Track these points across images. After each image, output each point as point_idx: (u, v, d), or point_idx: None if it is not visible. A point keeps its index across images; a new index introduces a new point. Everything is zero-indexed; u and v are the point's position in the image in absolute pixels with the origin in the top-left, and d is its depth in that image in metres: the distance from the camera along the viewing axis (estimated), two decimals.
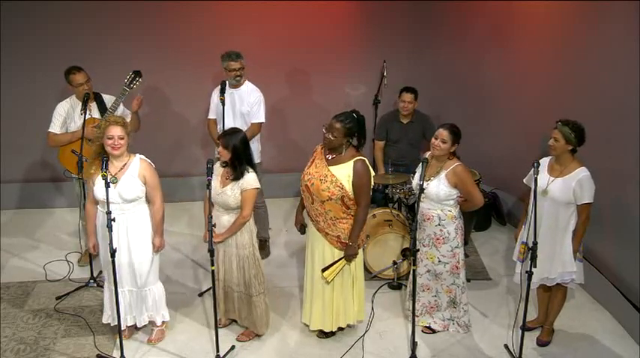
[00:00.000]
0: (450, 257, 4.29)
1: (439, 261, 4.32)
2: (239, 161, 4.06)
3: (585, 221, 4.02)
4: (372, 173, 4.06)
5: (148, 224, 4.16)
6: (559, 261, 4.10)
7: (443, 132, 4.13)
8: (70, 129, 5.05)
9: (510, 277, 4.87)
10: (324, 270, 4.14)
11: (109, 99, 5.07)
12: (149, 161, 4.14)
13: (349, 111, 4.05)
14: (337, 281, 4.22)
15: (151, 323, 4.39)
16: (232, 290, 4.32)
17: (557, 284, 4.21)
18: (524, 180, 4.33)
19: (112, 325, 4.35)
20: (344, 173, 3.99)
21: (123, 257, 4.09)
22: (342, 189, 3.97)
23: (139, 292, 4.24)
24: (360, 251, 4.23)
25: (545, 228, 3.94)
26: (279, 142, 6.69)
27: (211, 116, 5.31)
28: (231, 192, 4.07)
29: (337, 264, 4.13)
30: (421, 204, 4.19)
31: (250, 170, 4.12)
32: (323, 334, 4.45)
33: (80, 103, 4.98)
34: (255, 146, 5.27)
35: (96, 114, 4.98)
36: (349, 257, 4.12)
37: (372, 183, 4.06)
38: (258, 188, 4.13)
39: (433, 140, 4.17)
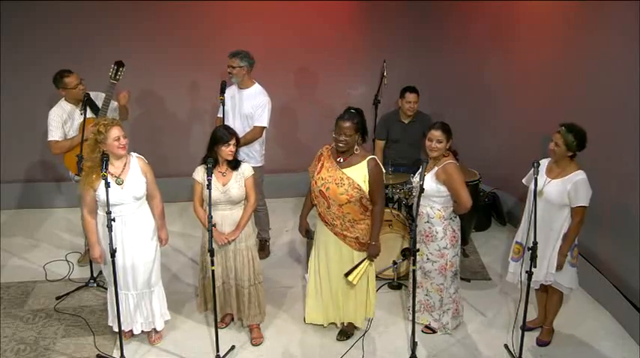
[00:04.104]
0: (437, 256, 4.30)
1: (427, 259, 4.34)
2: (239, 151, 4.23)
3: (578, 224, 4.00)
4: (383, 170, 4.13)
5: (152, 222, 4.18)
6: (546, 263, 4.09)
7: (436, 133, 4.15)
8: (69, 133, 5.03)
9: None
10: (347, 275, 4.16)
11: (95, 95, 5.05)
12: (142, 157, 4.18)
13: (348, 109, 4.06)
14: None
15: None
16: (243, 288, 4.32)
17: (552, 286, 4.21)
18: (523, 180, 4.33)
19: (115, 329, 4.28)
20: (359, 174, 3.99)
21: (128, 259, 4.08)
22: (360, 190, 3.99)
23: (145, 294, 4.22)
24: None
25: (538, 229, 3.92)
26: (279, 142, 6.69)
27: (219, 115, 5.29)
28: (237, 184, 4.16)
29: (361, 266, 4.16)
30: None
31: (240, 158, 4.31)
32: (344, 336, 4.44)
33: (72, 106, 5.00)
34: (257, 149, 5.25)
35: (89, 113, 4.97)
36: (372, 256, 4.16)
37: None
38: (254, 173, 4.30)
39: (428, 143, 4.18)
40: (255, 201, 4.27)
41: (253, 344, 4.39)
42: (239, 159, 4.26)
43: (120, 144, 3.94)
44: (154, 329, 4.39)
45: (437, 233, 4.25)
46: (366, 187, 4.00)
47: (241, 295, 4.35)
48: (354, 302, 4.35)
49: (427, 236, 4.29)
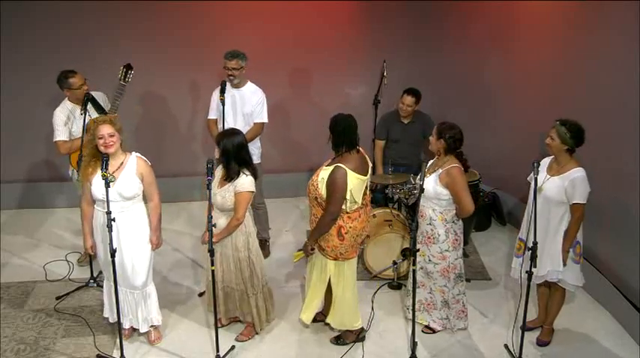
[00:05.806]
0: (439, 258, 4.30)
1: (429, 260, 4.34)
2: (230, 162, 4.07)
3: (577, 221, 4.01)
4: (350, 185, 3.93)
5: (146, 223, 4.17)
6: (548, 259, 4.11)
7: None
8: (74, 132, 5.03)
9: (510, 277, 4.86)
10: (299, 250, 4.32)
11: (97, 96, 5.05)
12: (145, 158, 4.16)
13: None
14: (315, 276, 4.28)
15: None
16: (233, 290, 4.33)
17: (556, 284, 4.22)
18: (527, 178, 4.33)
19: (110, 321, 4.40)
20: (322, 175, 4.00)
21: (117, 256, 4.06)
22: (316, 189, 4.01)
23: (136, 294, 4.24)
24: (346, 265, 4.17)
25: (537, 226, 3.93)
26: (278, 142, 6.69)
27: (211, 116, 5.29)
28: (226, 194, 4.09)
29: (299, 252, 4.32)
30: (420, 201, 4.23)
31: (247, 173, 4.10)
32: (337, 340, 4.42)
33: (75, 105, 5.00)
34: (258, 145, 5.27)
35: (93, 114, 4.97)
36: (305, 252, 4.23)
37: (345, 194, 3.95)
38: (251, 191, 4.10)
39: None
40: (240, 219, 4.08)
41: (236, 340, 4.40)
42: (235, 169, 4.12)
43: (104, 142, 3.93)
44: (153, 329, 4.40)
45: (439, 235, 4.25)
46: (322, 188, 3.98)
47: (230, 296, 4.36)
48: (314, 301, 4.35)
49: (429, 238, 4.29)
